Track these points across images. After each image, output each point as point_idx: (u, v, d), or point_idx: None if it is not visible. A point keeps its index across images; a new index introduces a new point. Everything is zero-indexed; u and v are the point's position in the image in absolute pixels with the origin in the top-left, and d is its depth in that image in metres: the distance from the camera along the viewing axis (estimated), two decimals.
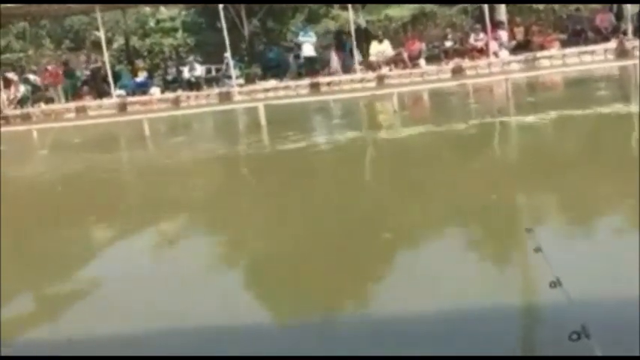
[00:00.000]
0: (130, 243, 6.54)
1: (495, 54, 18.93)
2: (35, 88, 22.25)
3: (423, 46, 20.65)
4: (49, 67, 22.55)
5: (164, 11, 28.81)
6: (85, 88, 22.20)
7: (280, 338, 3.98)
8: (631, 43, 17.48)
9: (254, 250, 5.93)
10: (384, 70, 19.40)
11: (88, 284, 5.25)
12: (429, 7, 25.40)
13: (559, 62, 17.77)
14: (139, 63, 23.80)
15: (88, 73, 24.50)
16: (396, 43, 20.98)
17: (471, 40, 19.85)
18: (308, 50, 20.61)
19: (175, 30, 27.87)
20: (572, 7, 22.37)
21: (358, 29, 21.12)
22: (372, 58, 19.92)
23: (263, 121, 13.67)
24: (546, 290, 3.32)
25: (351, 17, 20.49)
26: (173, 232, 6.84)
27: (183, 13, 28.60)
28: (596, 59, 17.34)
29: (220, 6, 19.77)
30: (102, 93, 21.05)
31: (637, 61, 14.23)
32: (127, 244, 6.53)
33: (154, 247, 6.34)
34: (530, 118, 10.96)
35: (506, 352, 3.48)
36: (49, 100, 21.23)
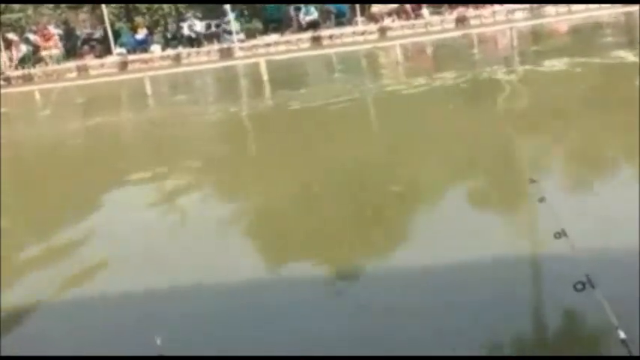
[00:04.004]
0: (147, 197, 6.58)
1: (500, 2, 18.61)
2: (36, 47, 22.01)
3: None
4: (44, 29, 22.20)
5: None
6: (86, 47, 21.97)
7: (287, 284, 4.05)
8: None
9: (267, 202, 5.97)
10: (387, 22, 19.13)
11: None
12: None
13: (564, 9, 17.47)
14: (139, 20, 23.47)
15: (88, 31, 24.19)
16: None
17: None
18: (310, 17, 20.26)
19: None
20: None
21: None
22: (374, 9, 19.62)
23: (265, 77, 13.57)
24: (551, 240, 3.32)
25: None
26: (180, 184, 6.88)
27: None
28: (603, 6, 17.03)
29: None
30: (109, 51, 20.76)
31: None
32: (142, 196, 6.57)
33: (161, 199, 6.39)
34: (535, 68, 10.85)
35: (510, 300, 3.51)
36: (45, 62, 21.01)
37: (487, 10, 18.35)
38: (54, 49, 21.11)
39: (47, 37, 21.38)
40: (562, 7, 17.57)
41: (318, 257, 4.50)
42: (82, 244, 5.27)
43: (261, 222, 5.57)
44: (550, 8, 17.65)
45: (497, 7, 18.30)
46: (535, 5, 17.80)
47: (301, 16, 20.50)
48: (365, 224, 4.93)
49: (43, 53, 21.04)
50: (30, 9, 28.03)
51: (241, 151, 8.48)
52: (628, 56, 10.77)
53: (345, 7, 20.68)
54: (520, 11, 17.87)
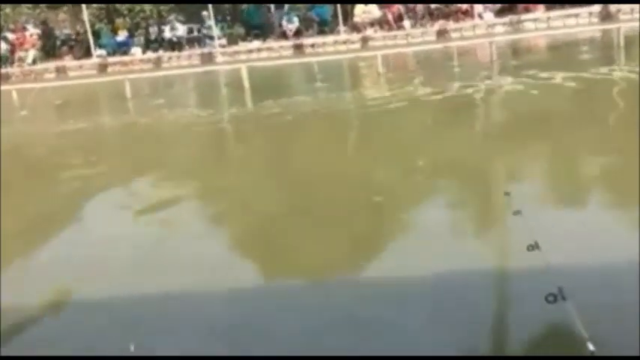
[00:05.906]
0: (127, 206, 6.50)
1: (480, 16, 18.81)
2: (13, 47, 21.78)
3: (402, 7, 20.37)
4: (21, 31, 22.03)
5: None
6: (65, 48, 21.80)
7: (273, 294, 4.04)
8: (615, 6, 17.42)
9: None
10: (369, 32, 19.23)
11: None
12: None
13: (543, 25, 17.70)
14: (119, 21, 23.32)
15: (67, 32, 24.00)
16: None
17: None
18: (293, 27, 20.25)
19: None
20: None
21: None
22: (357, 19, 19.72)
23: (246, 83, 13.56)
24: (524, 253, 3.36)
25: None
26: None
27: None
28: (581, 22, 17.29)
29: None
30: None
31: (621, 25, 14.23)
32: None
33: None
34: (513, 81, 10.96)
35: (481, 311, 3.53)
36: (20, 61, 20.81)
37: (468, 23, 18.53)
38: (30, 50, 20.92)
39: (24, 39, 21.18)
40: (541, 23, 17.81)
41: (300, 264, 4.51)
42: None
43: (236, 231, 5.55)
44: (529, 24, 17.88)
45: (477, 21, 18.49)
46: (515, 20, 18.02)
47: (284, 24, 20.52)
48: (336, 237, 4.93)
49: (20, 54, 20.85)
50: (8, 7, 27.70)
51: (218, 158, 8.45)
52: (603, 70, 10.95)
53: (328, 14, 20.74)
54: (500, 25, 18.07)
